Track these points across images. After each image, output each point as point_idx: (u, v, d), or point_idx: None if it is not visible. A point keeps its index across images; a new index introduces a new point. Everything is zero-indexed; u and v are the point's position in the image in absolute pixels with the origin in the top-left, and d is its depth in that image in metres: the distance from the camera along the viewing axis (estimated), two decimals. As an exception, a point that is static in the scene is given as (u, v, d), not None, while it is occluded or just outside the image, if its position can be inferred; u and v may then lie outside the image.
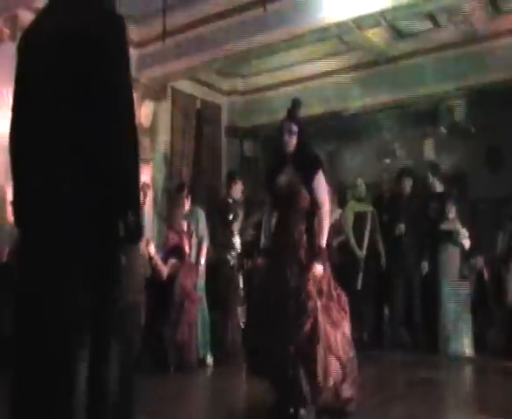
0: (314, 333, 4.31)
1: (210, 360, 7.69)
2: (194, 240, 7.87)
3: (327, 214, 4.70)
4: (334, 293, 4.61)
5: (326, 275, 4.61)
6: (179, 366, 7.11)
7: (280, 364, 4.32)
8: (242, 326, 7.71)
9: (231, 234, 8.13)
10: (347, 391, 4.43)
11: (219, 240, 8.21)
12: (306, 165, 4.76)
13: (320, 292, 4.50)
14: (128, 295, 2.20)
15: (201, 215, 8.02)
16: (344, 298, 4.70)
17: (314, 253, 4.55)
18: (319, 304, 4.41)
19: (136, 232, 2.21)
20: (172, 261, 7.50)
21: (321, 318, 4.36)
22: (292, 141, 4.79)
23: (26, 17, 8.03)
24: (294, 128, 4.78)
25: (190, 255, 7.75)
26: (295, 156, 4.80)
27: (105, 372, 2.22)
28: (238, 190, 8.31)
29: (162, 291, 7.34)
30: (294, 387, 4.26)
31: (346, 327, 4.57)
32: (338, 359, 4.36)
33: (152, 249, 7.57)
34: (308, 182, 4.69)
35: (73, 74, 2.20)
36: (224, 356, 7.67)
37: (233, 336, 7.76)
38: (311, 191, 4.69)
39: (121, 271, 2.21)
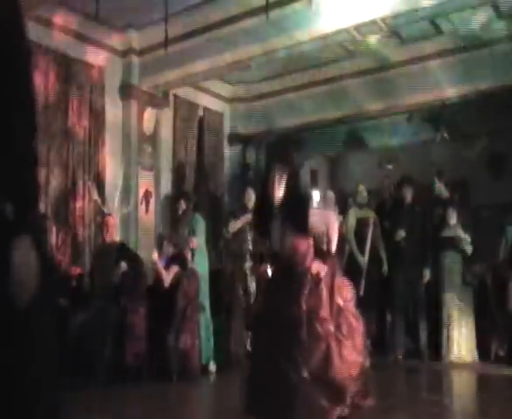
0: (327, 359, 4.32)
1: (212, 367, 7.71)
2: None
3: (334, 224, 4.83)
4: (343, 302, 4.62)
5: (345, 288, 4.65)
6: (182, 374, 7.10)
7: (292, 384, 4.27)
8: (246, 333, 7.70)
9: (244, 242, 8.17)
10: (360, 400, 4.46)
11: (232, 249, 8.24)
12: (297, 213, 4.67)
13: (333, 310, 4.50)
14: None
15: (199, 221, 8.03)
16: (353, 300, 4.72)
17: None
18: (332, 327, 4.41)
19: (15, 223, 1.94)
20: (174, 268, 7.51)
21: (333, 343, 4.37)
22: (281, 190, 4.66)
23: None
24: (284, 176, 4.65)
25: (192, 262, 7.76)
26: (286, 205, 4.67)
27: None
28: (250, 199, 8.33)
29: (165, 299, 7.35)
30: (309, 406, 4.23)
31: (360, 336, 4.61)
32: (351, 378, 4.39)
33: (155, 256, 7.59)
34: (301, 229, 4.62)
35: None
36: (227, 363, 7.67)
37: (236, 343, 7.76)
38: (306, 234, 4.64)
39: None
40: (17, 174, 1.94)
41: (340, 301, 4.58)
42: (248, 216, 8.13)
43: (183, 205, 8.14)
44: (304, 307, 4.40)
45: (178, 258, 7.59)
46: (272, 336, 4.53)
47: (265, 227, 4.81)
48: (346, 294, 4.73)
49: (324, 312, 4.43)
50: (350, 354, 4.45)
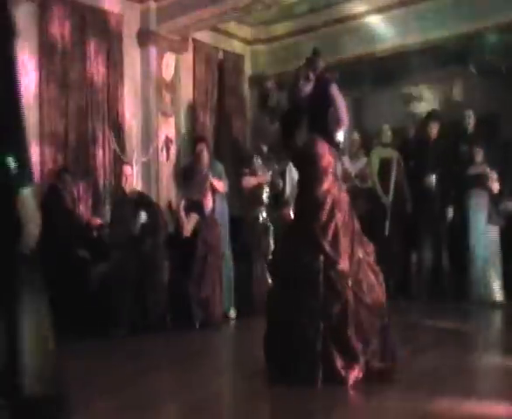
0: (344, 316, 4.23)
1: (233, 313, 7.77)
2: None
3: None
4: (363, 255, 4.48)
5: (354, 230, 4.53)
6: (204, 321, 7.16)
7: (309, 339, 4.23)
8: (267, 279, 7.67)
9: (260, 187, 8.15)
10: (376, 362, 4.31)
11: (248, 195, 8.21)
12: (323, 112, 4.61)
13: (350, 261, 4.37)
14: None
15: (218, 166, 7.96)
16: (373, 254, 4.59)
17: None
18: (350, 283, 4.30)
19: (19, 178, 2.22)
20: (194, 216, 7.48)
21: (351, 299, 4.26)
22: (307, 88, 4.66)
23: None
24: (311, 76, 4.67)
25: (213, 209, 7.70)
26: (311, 106, 4.64)
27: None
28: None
29: (186, 248, 7.35)
30: (325, 363, 4.17)
31: (379, 293, 4.46)
32: (368, 339, 4.28)
33: (181, 205, 7.61)
34: (329, 133, 4.61)
35: None
36: (249, 309, 7.68)
37: (258, 289, 7.75)
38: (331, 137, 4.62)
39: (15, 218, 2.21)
40: (16, 134, 2.24)
41: (360, 254, 4.47)
42: (265, 176, 8.09)
43: (200, 151, 7.98)
44: (322, 257, 4.31)
45: (196, 206, 7.55)
46: (287, 287, 4.46)
47: (291, 135, 4.75)
48: (367, 247, 4.60)
49: (343, 263, 4.32)
50: (369, 314, 4.32)
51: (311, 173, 4.57)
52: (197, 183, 7.63)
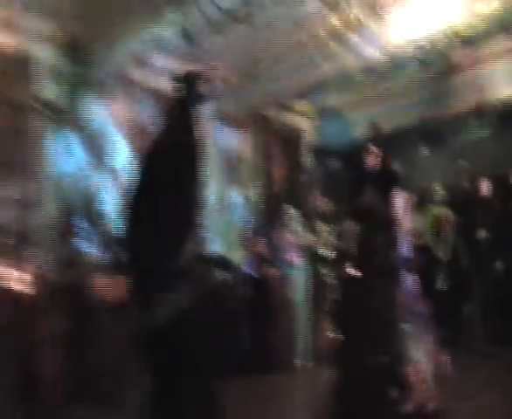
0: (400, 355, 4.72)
1: (299, 362, 8.13)
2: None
3: (403, 228, 5.13)
4: (419, 310, 5.03)
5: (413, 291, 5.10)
6: (273, 368, 7.58)
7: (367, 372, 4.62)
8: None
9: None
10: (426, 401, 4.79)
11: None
12: (385, 182, 5.24)
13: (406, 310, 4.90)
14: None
15: None
16: (428, 314, 5.13)
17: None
18: (407, 328, 4.82)
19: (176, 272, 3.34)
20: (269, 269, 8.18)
21: (408, 342, 4.79)
22: (374, 164, 5.35)
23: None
24: (377, 152, 5.35)
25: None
26: (376, 175, 5.31)
27: None
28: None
29: (260, 294, 8.00)
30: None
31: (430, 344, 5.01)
32: (421, 378, 4.77)
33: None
34: (387, 198, 5.16)
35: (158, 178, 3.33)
36: (314, 360, 8.10)
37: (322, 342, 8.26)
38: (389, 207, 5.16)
39: None
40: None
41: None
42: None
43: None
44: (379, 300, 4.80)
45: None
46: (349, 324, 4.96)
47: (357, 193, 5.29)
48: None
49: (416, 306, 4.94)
50: (424, 356, 4.85)
51: (370, 226, 5.04)
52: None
